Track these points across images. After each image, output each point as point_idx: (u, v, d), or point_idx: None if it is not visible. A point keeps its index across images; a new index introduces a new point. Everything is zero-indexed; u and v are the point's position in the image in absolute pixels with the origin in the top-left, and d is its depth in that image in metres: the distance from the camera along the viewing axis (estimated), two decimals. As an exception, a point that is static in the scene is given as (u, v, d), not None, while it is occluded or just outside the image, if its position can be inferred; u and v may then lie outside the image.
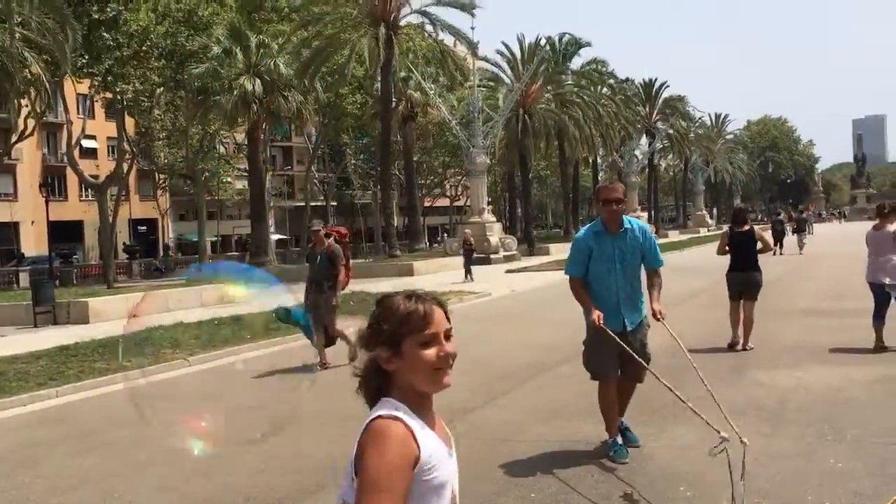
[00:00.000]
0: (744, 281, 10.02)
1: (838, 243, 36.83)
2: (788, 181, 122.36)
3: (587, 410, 7.00)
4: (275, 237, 59.34)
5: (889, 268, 9.46)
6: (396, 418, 1.72)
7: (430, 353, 1.76)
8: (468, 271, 25.15)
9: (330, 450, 6.13)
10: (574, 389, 8.02)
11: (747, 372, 8.47)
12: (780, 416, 6.54)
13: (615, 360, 5.65)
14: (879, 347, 9.35)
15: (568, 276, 5.89)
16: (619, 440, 5.69)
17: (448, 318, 1.82)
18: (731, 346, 9.97)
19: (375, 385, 1.80)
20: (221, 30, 35.26)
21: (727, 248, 10.34)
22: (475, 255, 35.21)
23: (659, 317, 5.58)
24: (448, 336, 1.80)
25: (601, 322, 5.46)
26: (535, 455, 5.70)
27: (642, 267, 5.84)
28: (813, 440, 5.78)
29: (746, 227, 10.29)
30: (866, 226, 11.14)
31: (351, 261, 10.91)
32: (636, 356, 5.46)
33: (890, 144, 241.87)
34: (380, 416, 1.73)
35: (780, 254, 30.13)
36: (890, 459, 5.25)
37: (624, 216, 5.71)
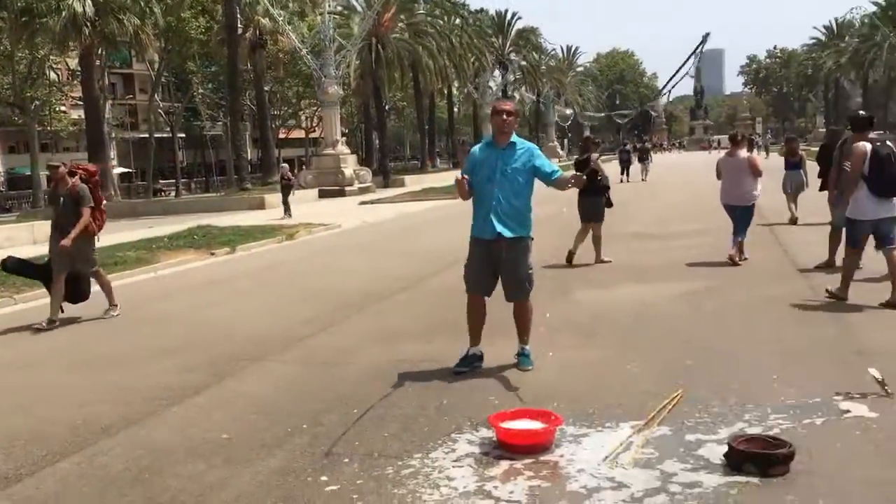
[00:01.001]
0: (586, 204, 10.99)
1: (677, 171, 39.30)
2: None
3: (418, 333, 7.35)
4: (118, 171, 56.27)
5: (741, 192, 10.44)
6: None
7: None
8: (287, 207, 23.71)
9: (161, 380, 6.16)
10: (409, 315, 8.35)
11: (570, 292, 9.07)
12: (592, 330, 7.11)
13: (483, 275, 5.92)
14: (732, 259, 10.32)
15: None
16: (472, 351, 6.00)
17: None
18: (568, 260, 10.93)
19: None
20: (44, -55, 32.44)
21: None
22: (328, 188, 35.04)
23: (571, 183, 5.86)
24: None
25: (464, 179, 5.77)
26: (363, 376, 5.96)
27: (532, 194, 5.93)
28: (616, 350, 6.36)
29: (584, 157, 11.11)
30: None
31: (105, 202, 9.33)
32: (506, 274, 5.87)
33: (727, 78, 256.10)
34: None
35: (627, 181, 31.88)
36: (673, 360, 5.87)
37: (516, 137, 5.86)
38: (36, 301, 10.60)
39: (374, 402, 5.28)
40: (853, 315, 7.15)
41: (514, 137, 5.86)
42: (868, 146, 7.54)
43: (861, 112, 8.53)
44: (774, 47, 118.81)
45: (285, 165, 27.43)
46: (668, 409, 4.83)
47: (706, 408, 4.82)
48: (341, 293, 9.91)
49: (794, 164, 15.18)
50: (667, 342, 6.53)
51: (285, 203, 24.02)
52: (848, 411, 4.65)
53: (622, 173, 33.27)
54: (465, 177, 5.79)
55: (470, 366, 5.91)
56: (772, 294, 8.34)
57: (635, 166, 35.24)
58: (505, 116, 5.75)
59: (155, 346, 7.45)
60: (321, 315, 8.56)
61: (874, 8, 69.40)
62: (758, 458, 3.85)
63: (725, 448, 4.02)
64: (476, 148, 6.06)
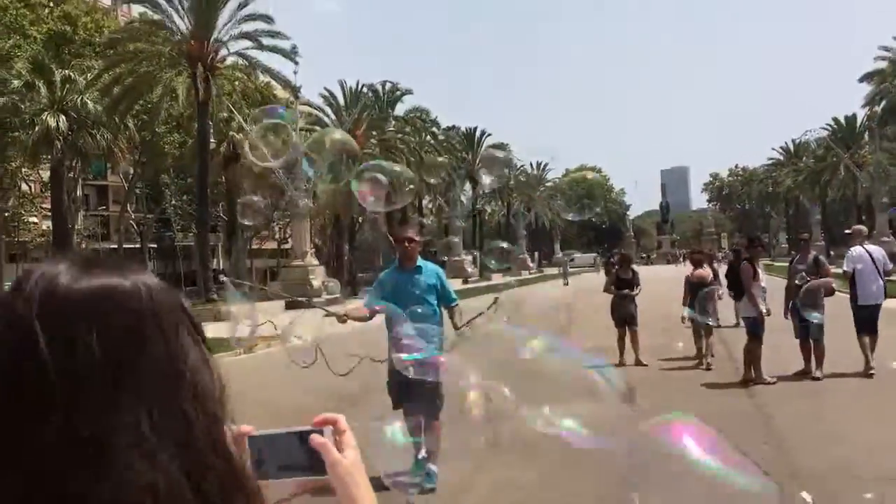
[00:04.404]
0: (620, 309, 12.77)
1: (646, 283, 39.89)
2: (603, 227, 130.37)
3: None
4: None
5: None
6: None
7: None
8: None
9: None
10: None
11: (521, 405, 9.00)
12: (535, 449, 7.01)
13: (396, 390, 6.23)
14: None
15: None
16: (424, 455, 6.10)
17: None
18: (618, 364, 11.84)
19: None
20: (23, 63, 33.24)
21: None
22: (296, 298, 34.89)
23: (463, 327, 6.08)
24: None
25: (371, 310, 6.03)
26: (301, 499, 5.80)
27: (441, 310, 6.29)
28: (556, 473, 6.27)
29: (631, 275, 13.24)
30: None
31: None
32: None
33: (693, 194, 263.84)
34: None
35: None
36: (610, 485, 5.79)
37: (422, 260, 6.28)
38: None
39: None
40: (787, 434, 7.15)
41: (419, 261, 6.27)
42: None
43: (748, 236, 12.03)
44: (736, 166, 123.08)
45: None
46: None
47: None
48: (288, 409, 9.74)
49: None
50: (609, 465, 6.45)
51: None
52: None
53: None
54: (375, 308, 6.03)
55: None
56: (711, 409, 8.34)
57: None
58: (407, 244, 6.20)
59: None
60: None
61: (826, 131, 72.57)
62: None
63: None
64: (384, 274, 6.43)
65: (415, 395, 6.00)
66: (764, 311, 10.16)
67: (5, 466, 0.71)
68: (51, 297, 0.76)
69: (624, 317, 12.79)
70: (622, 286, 13.16)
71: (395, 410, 6.28)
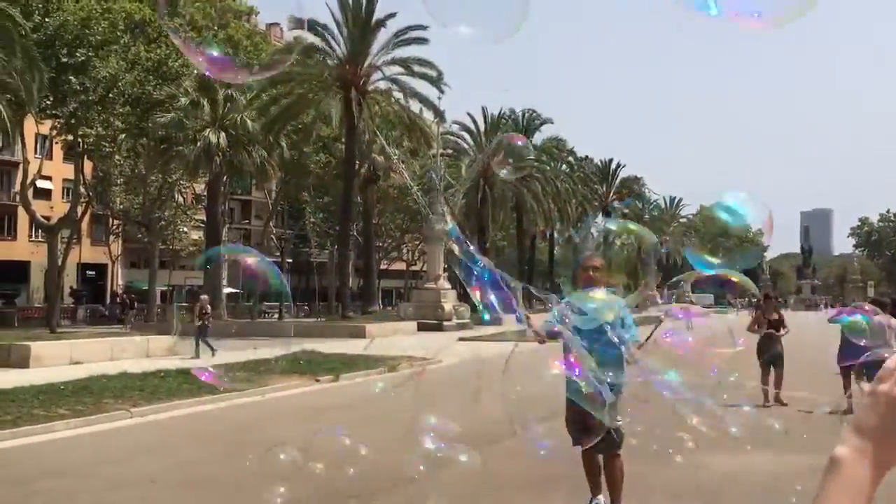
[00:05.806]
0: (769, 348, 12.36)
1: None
2: (738, 268, 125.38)
3: (531, 484, 7.07)
4: (227, 290, 58.59)
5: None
6: None
7: None
8: (206, 345, 19.74)
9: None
10: (514, 466, 8.04)
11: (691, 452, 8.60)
12: (717, 499, 6.67)
13: (576, 425, 5.81)
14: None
15: None
16: (594, 501, 6.00)
17: None
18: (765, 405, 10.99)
19: None
20: (190, 81, 35.51)
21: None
22: (427, 321, 35.33)
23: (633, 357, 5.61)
24: None
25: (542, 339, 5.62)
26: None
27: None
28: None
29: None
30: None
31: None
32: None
33: (836, 238, 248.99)
34: None
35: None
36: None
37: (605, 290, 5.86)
38: (153, 416, 10.84)
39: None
40: None
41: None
42: None
43: None
44: (888, 211, 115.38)
45: (205, 297, 22.49)
46: None
47: None
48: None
49: None
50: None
51: (202, 340, 19.66)
52: None
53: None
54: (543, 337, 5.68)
55: None
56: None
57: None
58: (590, 272, 5.78)
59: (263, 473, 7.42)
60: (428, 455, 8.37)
61: None
62: None
63: None
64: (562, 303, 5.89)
65: (593, 430, 5.82)
66: None
67: None
68: None
69: (772, 357, 12.36)
70: (770, 327, 12.83)
71: (573, 447, 6.02)
